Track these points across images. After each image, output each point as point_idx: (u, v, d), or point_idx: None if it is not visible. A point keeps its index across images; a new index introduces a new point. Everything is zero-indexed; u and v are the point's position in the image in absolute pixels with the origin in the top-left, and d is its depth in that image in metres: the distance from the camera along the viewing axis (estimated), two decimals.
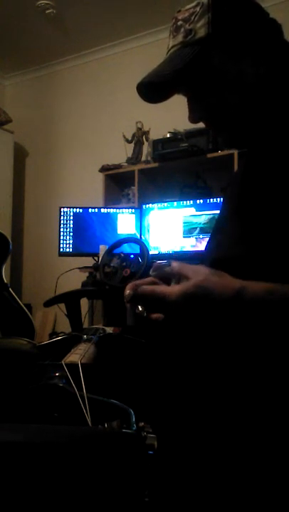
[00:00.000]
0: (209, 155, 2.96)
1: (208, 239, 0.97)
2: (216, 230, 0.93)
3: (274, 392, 0.66)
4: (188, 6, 0.80)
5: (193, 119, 0.84)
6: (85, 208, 3.13)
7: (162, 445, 0.46)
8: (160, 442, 0.45)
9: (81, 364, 0.64)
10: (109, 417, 0.54)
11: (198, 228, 2.91)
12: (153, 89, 0.81)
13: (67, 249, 3.11)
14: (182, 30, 0.79)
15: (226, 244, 0.82)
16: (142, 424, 0.46)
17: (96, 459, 0.43)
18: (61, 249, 3.10)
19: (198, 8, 0.78)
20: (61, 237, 3.10)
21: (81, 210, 3.12)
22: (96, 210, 3.13)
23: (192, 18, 0.78)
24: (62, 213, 3.11)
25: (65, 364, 0.63)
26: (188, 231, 2.94)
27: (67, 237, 3.10)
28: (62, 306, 2.25)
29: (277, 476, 0.64)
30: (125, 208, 3.17)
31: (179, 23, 0.79)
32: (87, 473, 0.42)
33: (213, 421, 0.68)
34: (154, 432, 0.46)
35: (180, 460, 0.67)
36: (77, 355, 0.72)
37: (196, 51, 0.77)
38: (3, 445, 0.42)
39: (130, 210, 3.14)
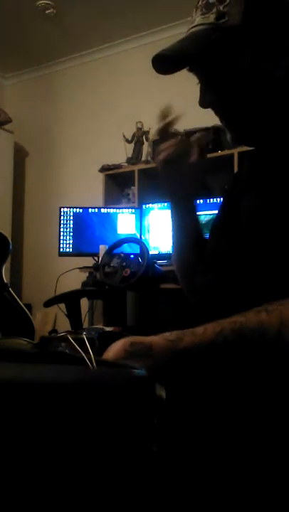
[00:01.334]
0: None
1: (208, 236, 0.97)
2: (214, 230, 0.93)
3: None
4: None
5: (203, 103, 0.81)
6: (85, 208, 3.13)
7: (171, 399, 0.46)
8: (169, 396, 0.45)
9: (86, 338, 0.63)
10: None
11: None
12: (170, 63, 0.77)
13: (67, 249, 3.11)
14: (214, 10, 0.73)
15: (227, 244, 0.82)
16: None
17: (106, 402, 0.42)
18: (61, 249, 3.10)
19: None
20: (61, 237, 3.10)
21: (81, 210, 3.12)
22: (96, 210, 3.13)
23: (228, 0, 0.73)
24: (62, 213, 3.11)
25: (71, 337, 0.63)
26: None
27: (67, 237, 3.10)
28: (62, 306, 2.25)
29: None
30: (125, 208, 3.17)
31: (211, 0, 0.74)
32: (96, 414, 0.42)
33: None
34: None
35: (187, 414, 0.68)
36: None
37: (226, 39, 0.73)
38: (11, 383, 0.42)
39: (130, 210, 3.14)
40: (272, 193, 0.74)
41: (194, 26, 0.76)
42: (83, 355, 0.53)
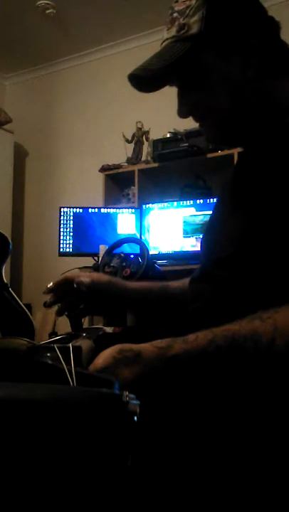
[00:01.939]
0: (209, 155, 2.96)
1: (201, 239, 0.97)
2: (208, 230, 0.93)
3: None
4: None
5: (180, 112, 0.83)
6: (85, 208, 3.13)
7: (145, 414, 0.46)
8: (143, 411, 0.45)
9: (72, 347, 0.65)
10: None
11: (198, 228, 2.91)
12: (142, 82, 0.81)
13: (67, 250, 3.11)
14: (176, 23, 0.77)
15: (221, 244, 0.82)
16: (126, 393, 0.46)
17: (79, 419, 0.43)
18: (61, 249, 3.10)
19: (193, 2, 0.76)
20: (61, 237, 3.10)
21: (81, 210, 3.12)
22: (96, 210, 3.13)
23: (187, 11, 0.76)
24: (62, 213, 3.11)
25: (57, 347, 0.64)
26: (189, 231, 2.94)
27: (67, 237, 3.10)
28: None
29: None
30: (125, 208, 3.17)
31: (175, 14, 0.78)
32: (69, 431, 0.42)
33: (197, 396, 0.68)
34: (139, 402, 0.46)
35: (163, 429, 0.67)
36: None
37: (186, 47, 0.76)
38: None
39: (130, 210, 3.14)
40: (262, 190, 0.74)
41: (162, 42, 0.80)
42: (64, 367, 0.55)
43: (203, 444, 0.65)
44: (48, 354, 0.64)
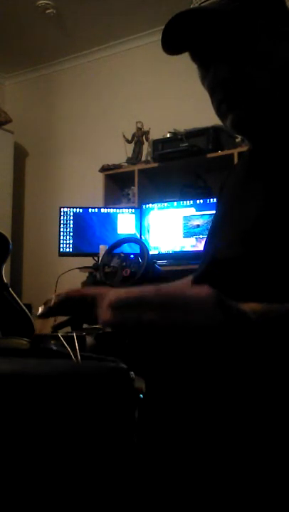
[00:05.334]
0: (209, 155, 2.96)
1: (205, 239, 0.96)
2: (212, 231, 0.92)
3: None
4: None
5: (213, 80, 0.76)
6: (85, 208, 3.13)
7: (151, 391, 0.46)
8: (149, 389, 0.45)
9: (77, 336, 0.65)
10: None
11: (198, 228, 2.91)
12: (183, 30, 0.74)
13: (67, 249, 3.10)
14: None
15: (224, 245, 0.80)
16: (131, 373, 0.46)
17: (86, 391, 0.43)
18: (61, 249, 3.10)
19: None
20: (61, 237, 3.10)
21: (81, 210, 3.12)
22: (96, 210, 3.13)
23: None
24: (62, 213, 3.11)
25: (61, 335, 0.65)
26: (188, 231, 2.94)
27: (67, 237, 3.10)
28: None
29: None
30: (125, 208, 3.17)
31: None
32: (77, 404, 0.42)
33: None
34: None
35: (169, 406, 0.66)
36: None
37: (243, 10, 0.71)
38: None
39: (130, 210, 3.14)
40: (277, 193, 0.72)
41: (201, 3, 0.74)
42: (69, 350, 0.55)
43: (211, 427, 0.65)
44: (53, 341, 0.64)
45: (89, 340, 0.82)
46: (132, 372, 0.45)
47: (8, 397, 0.41)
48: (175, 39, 0.77)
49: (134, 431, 0.44)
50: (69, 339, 0.63)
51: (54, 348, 0.61)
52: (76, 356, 0.53)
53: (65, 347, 0.58)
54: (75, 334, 0.65)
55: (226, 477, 0.63)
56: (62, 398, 0.42)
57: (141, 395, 0.44)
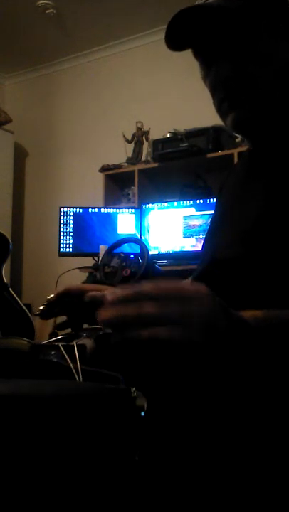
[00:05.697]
0: (209, 155, 2.96)
1: (203, 239, 0.95)
2: (211, 231, 0.92)
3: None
4: None
5: (216, 78, 0.76)
6: (85, 208, 3.13)
7: (152, 408, 0.46)
8: (150, 406, 0.45)
9: (77, 345, 0.64)
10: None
11: (198, 228, 2.91)
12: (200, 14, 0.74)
13: (67, 249, 3.11)
14: None
15: (224, 245, 0.80)
16: (132, 389, 0.45)
17: (87, 414, 0.43)
18: (61, 249, 3.10)
19: None
20: (61, 237, 3.10)
21: (81, 210, 3.12)
22: (96, 210, 3.13)
23: None
24: (62, 213, 3.11)
25: (61, 345, 0.64)
26: (188, 231, 2.94)
27: (67, 237, 3.10)
28: None
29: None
30: (125, 208, 3.17)
31: None
32: (77, 426, 0.42)
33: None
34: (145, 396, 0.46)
35: (170, 424, 0.65)
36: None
37: (246, 8, 0.71)
38: None
39: (130, 210, 3.14)
40: (277, 193, 0.72)
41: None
42: (70, 364, 0.55)
43: (213, 439, 0.64)
44: (53, 352, 0.63)
45: (89, 343, 0.82)
46: (133, 389, 0.45)
47: (7, 419, 0.41)
48: (179, 35, 0.76)
49: (136, 449, 0.44)
50: (69, 349, 0.62)
51: (54, 359, 0.61)
52: (77, 370, 0.53)
53: (66, 359, 0.57)
54: (75, 343, 0.64)
55: (228, 497, 0.62)
56: (62, 422, 0.42)
57: (142, 413, 0.44)
